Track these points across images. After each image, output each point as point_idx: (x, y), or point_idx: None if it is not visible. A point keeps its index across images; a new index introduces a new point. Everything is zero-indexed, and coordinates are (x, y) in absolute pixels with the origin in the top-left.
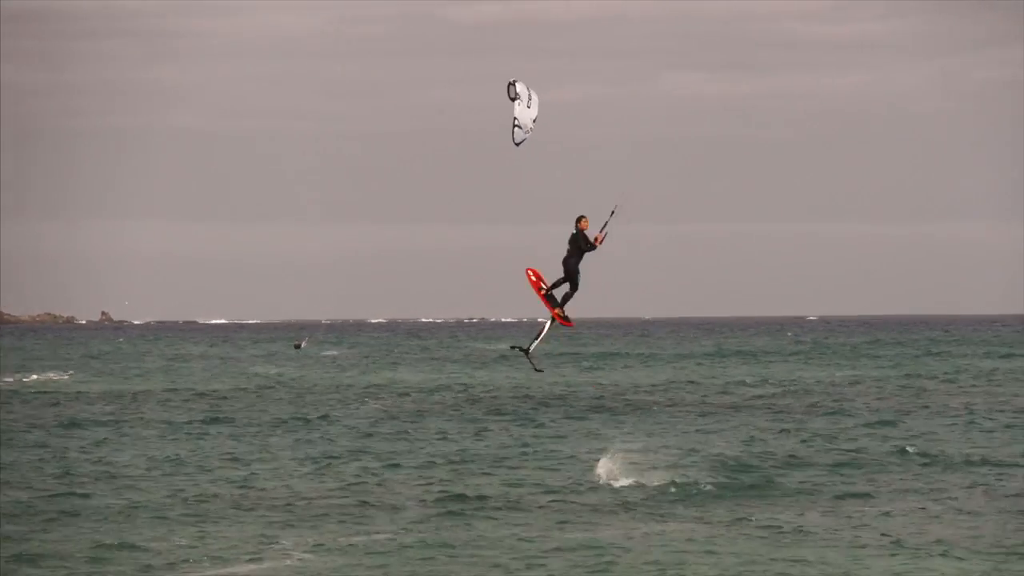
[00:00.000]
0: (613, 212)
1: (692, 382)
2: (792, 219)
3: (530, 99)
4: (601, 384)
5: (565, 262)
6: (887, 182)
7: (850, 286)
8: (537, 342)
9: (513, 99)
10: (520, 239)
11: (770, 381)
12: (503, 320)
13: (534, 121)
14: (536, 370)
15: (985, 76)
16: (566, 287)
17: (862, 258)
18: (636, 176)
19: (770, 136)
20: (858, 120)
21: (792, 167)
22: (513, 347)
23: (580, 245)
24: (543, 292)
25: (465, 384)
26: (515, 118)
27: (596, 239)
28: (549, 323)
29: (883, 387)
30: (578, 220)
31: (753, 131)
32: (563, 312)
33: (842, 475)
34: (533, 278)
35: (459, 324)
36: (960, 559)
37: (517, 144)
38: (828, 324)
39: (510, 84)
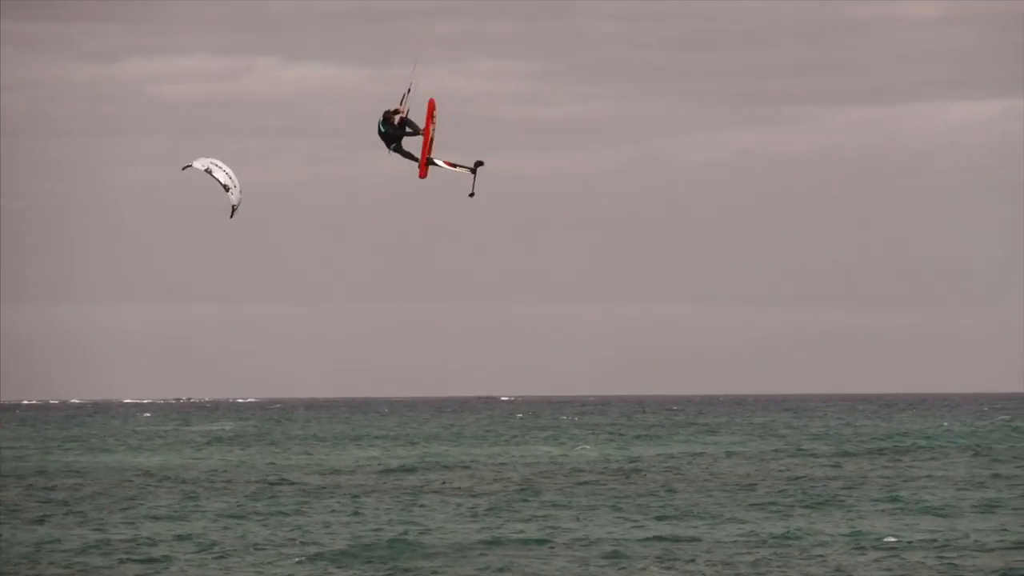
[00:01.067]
0: (409, 90)
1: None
2: (491, 298)
3: (229, 176)
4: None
5: (398, 151)
6: (583, 261)
7: (545, 365)
8: (461, 171)
9: (199, 169)
10: (225, 318)
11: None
12: (203, 399)
13: (241, 192)
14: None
15: (694, 158)
16: (418, 148)
17: (554, 337)
18: (338, 258)
19: (473, 216)
20: (558, 199)
21: (493, 247)
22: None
23: (392, 132)
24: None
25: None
26: (233, 206)
27: (399, 111)
28: (454, 168)
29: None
30: (386, 118)
31: (457, 211)
32: (431, 158)
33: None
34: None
35: (166, 404)
36: None
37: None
38: (536, 403)
39: (189, 167)
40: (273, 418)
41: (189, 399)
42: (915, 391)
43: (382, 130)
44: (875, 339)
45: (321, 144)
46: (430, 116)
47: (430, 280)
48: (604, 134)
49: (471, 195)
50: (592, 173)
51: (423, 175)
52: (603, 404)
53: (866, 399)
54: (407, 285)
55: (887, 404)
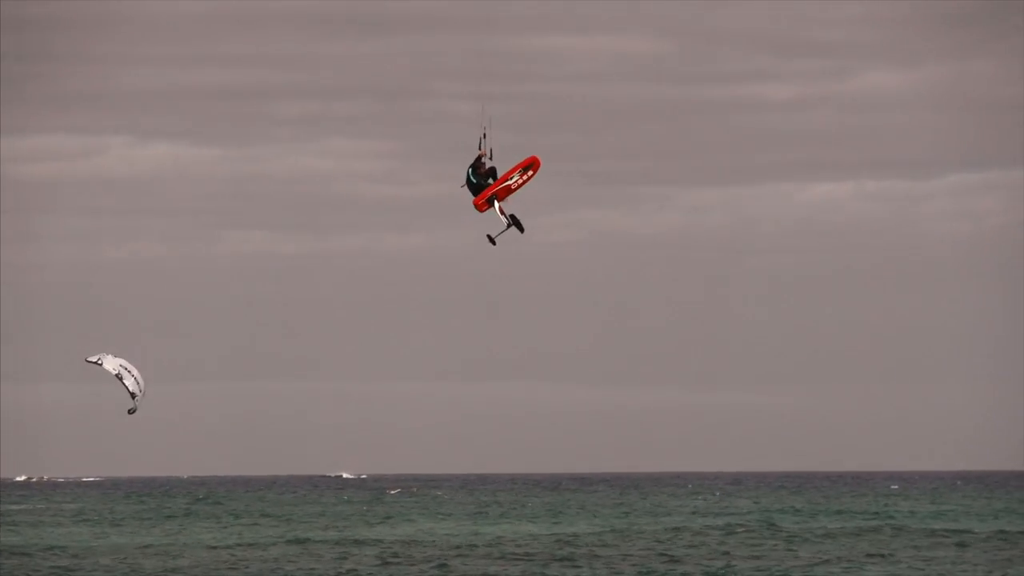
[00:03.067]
0: (484, 134)
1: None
2: (347, 377)
3: (137, 382)
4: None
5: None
6: (438, 340)
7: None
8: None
9: (108, 371)
10: (70, 396)
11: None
12: (50, 478)
13: (142, 392)
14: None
15: (551, 239)
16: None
17: (406, 415)
18: (198, 336)
19: (330, 295)
20: (414, 278)
21: (348, 325)
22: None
23: (480, 182)
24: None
25: None
26: (135, 407)
27: (481, 157)
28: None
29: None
30: (476, 167)
31: (311, 290)
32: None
33: None
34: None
35: (12, 483)
36: None
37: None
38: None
39: (98, 364)
40: (137, 495)
41: (39, 478)
42: (771, 469)
43: (472, 180)
44: (732, 418)
45: (176, 223)
46: (520, 166)
47: (283, 358)
48: (461, 213)
49: (491, 239)
50: (449, 253)
51: (480, 206)
52: (462, 482)
53: (718, 475)
54: (261, 363)
55: (737, 482)
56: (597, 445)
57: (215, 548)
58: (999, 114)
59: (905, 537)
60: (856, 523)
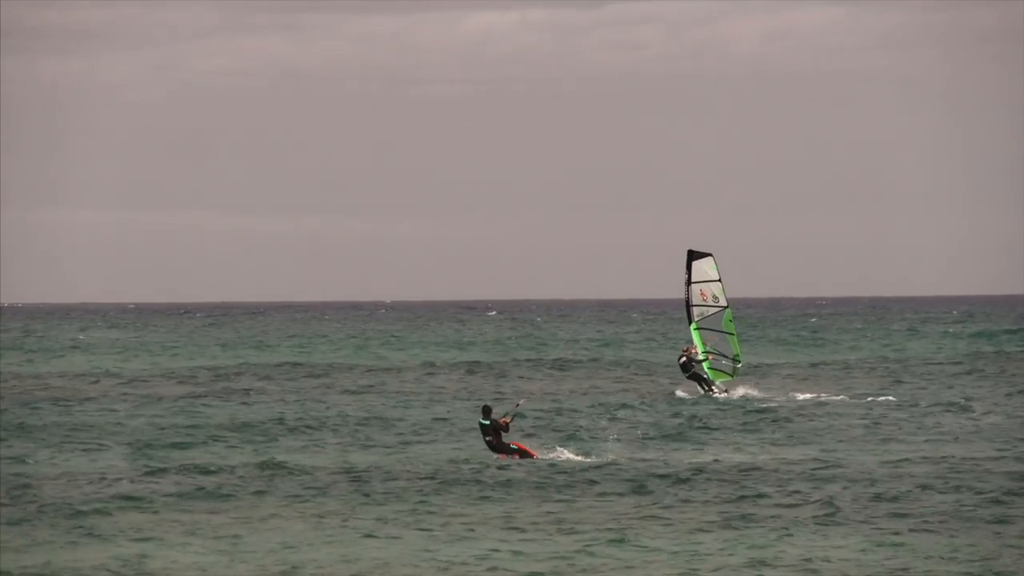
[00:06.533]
0: (519, 404)
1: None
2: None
3: None
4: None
5: (494, 448)
6: (105, 168)
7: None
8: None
9: None
10: None
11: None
12: None
13: None
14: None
15: (213, 64)
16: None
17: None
18: None
19: None
20: (76, 106)
21: (9, 152)
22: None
23: (497, 429)
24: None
25: None
26: None
27: (504, 422)
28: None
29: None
30: (489, 412)
31: None
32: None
33: None
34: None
35: None
36: None
37: None
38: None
39: None
40: None
41: None
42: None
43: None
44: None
45: None
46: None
47: None
48: (124, 39)
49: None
50: (112, 78)
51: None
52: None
53: (409, 305)
54: None
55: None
56: (269, 273)
57: None
58: None
59: None
60: None
